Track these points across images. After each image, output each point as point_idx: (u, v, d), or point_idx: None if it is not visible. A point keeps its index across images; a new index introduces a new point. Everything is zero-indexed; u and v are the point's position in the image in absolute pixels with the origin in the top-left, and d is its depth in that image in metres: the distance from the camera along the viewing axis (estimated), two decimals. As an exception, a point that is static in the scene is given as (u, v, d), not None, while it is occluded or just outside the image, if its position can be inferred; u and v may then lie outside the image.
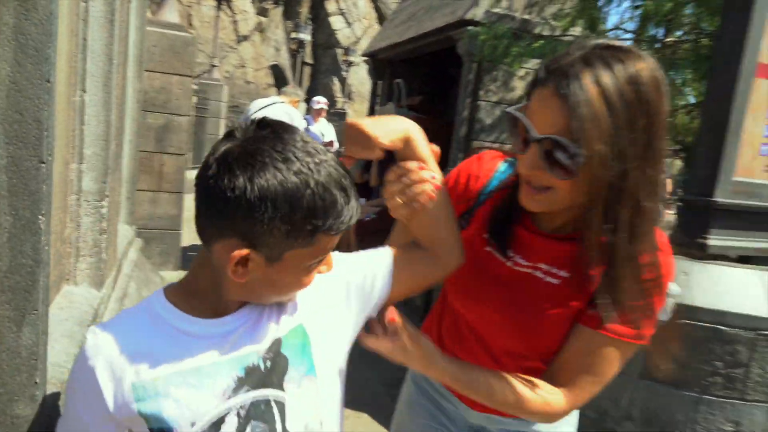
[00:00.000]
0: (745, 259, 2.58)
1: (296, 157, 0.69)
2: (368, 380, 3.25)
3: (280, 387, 0.80)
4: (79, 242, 1.71)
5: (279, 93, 5.16)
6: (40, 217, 0.95)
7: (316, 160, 0.71)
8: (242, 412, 0.77)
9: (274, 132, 0.72)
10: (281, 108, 4.89)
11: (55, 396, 1.15)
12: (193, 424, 0.75)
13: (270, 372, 0.80)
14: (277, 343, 0.81)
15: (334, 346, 0.89)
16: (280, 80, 22.20)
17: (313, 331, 0.85)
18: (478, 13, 4.66)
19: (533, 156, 0.85)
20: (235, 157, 0.68)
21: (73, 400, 0.81)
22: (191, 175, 6.43)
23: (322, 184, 0.70)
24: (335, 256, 0.87)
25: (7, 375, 0.97)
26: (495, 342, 1.07)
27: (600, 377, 0.95)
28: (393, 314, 0.87)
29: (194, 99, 11.35)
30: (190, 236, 6.42)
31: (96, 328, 0.79)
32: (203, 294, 0.79)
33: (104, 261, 1.79)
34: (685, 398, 2.27)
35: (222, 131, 11.48)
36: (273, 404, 0.79)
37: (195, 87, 12.51)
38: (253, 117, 2.86)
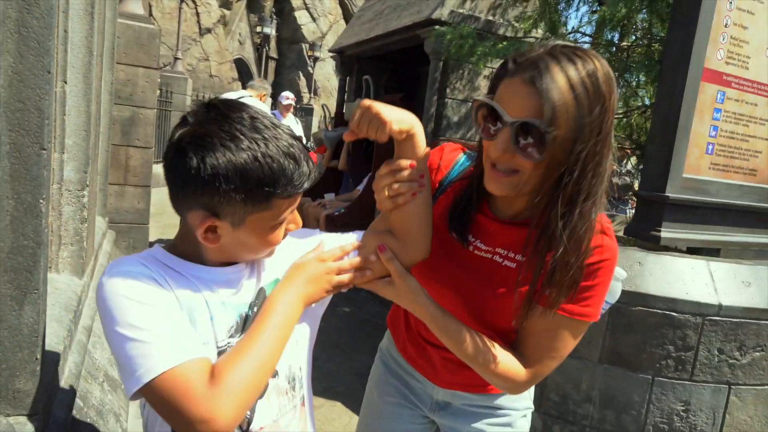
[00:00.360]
0: (694, 250, 2.78)
1: (243, 135, 0.77)
2: (341, 370, 3.34)
3: None
4: (61, 231, 1.73)
5: (245, 87, 5.13)
6: (41, 201, 1.00)
7: (264, 135, 0.78)
8: None
9: (221, 113, 0.80)
10: (251, 102, 4.88)
11: (52, 371, 1.19)
12: (205, 344, 0.82)
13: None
14: (261, 293, 0.91)
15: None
16: (244, 74, 21.91)
17: None
18: (444, 13, 4.78)
19: (505, 139, 0.91)
20: (188, 141, 0.77)
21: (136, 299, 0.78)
22: (158, 168, 6.33)
23: (269, 156, 0.77)
24: (312, 233, 0.99)
25: (9, 351, 1.02)
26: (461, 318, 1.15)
27: (558, 352, 1.03)
28: (383, 247, 0.99)
29: (158, 92, 11.11)
30: (157, 231, 6.35)
31: (113, 264, 0.83)
32: (191, 256, 0.87)
33: (85, 250, 1.81)
34: (640, 380, 2.42)
35: (186, 125, 11.24)
36: None
37: (158, 80, 12.23)
38: None
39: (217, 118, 0.79)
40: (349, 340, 3.87)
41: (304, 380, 0.98)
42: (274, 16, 21.93)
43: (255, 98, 4.97)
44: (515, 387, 1.05)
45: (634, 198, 4.41)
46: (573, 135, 0.88)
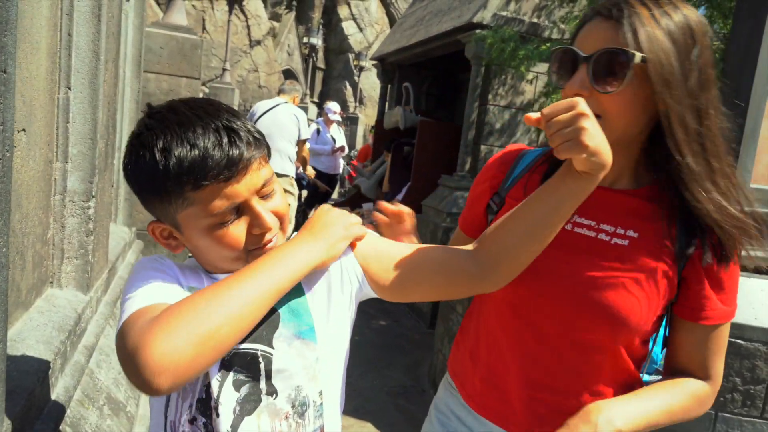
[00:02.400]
0: (764, 270, 2.48)
1: (147, 129, 0.75)
2: (373, 388, 3.18)
3: (269, 343, 0.77)
4: (64, 244, 1.66)
5: (278, 92, 5.10)
6: (-7, 219, 0.89)
7: (167, 126, 0.74)
8: (226, 358, 0.75)
9: (147, 113, 0.79)
10: (288, 109, 4.81)
11: (25, 410, 1.09)
12: None
13: (260, 327, 0.77)
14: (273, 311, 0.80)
15: (334, 317, 0.85)
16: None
17: (313, 295, 0.84)
18: (485, 16, 4.59)
19: (581, 75, 0.84)
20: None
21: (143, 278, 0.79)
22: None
23: (165, 149, 0.72)
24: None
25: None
26: (556, 328, 0.94)
27: (723, 354, 0.97)
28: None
29: (205, 102, 11.37)
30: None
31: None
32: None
33: (91, 264, 1.73)
34: (701, 415, 2.17)
35: (232, 135, 11.48)
36: (260, 359, 0.77)
37: (206, 90, 12.55)
38: (258, 119, 2.80)
39: (141, 118, 0.79)
40: (384, 356, 3.69)
41: (326, 408, 0.81)
42: (322, 27, 22.21)
43: (289, 102, 4.91)
44: (708, 407, 0.98)
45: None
46: (659, 64, 0.81)
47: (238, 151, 0.74)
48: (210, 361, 0.67)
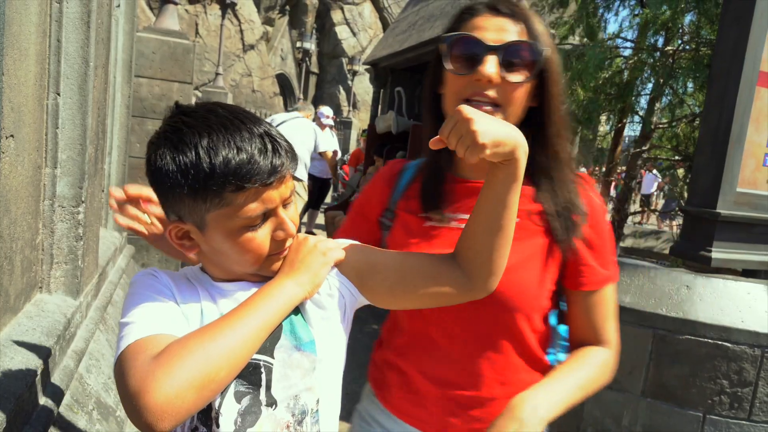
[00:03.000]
0: (751, 272, 2.51)
1: (187, 127, 0.75)
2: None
3: (271, 354, 0.79)
4: (53, 249, 1.66)
5: (286, 102, 5.46)
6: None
7: (212, 127, 0.75)
8: None
9: (179, 111, 0.79)
10: (305, 122, 5.17)
11: (13, 414, 1.09)
12: None
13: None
14: None
15: (332, 331, 0.87)
16: (286, 89, 22.27)
17: (309, 309, 0.85)
18: (477, 21, 4.62)
19: (492, 65, 0.90)
20: (149, 141, 0.80)
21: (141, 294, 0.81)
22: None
23: (212, 148, 0.73)
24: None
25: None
26: (460, 325, 0.98)
27: (613, 318, 1.03)
28: None
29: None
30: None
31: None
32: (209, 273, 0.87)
33: (81, 269, 1.73)
34: (689, 417, 2.18)
35: (225, 139, 11.48)
36: (262, 369, 0.78)
37: (199, 95, 12.54)
38: (276, 126, 2.73)
39: (172, 115, 0.79)
40: (375, 361, 3.69)
41: (322, 415, 0.83)
42: (315, 32, 22.25)
43: (303, 117, 5.25)
44: (612, 372, 1.03)
45: (680, 214, 4.10)
46: (556, 61, 0.96)
47: (279, 160, 0.77)
48: (209, 400, 0.70)
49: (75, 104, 1.62)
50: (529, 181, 0.96)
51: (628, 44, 3.74)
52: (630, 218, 4.34)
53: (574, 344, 1.04)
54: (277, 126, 5.09)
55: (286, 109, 18.26)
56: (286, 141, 0.81)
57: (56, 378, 1.46)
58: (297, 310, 0.84)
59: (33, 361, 1.29)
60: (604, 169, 4.57)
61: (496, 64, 0.90)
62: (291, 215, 0.83)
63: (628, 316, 2.42)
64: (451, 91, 0.95)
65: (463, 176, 1.02)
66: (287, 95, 22.14)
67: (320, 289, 0.86)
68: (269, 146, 0.76)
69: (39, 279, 1.63)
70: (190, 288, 0.83)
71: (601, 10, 3.68)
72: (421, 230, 1.02)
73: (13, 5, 1.23)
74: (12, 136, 1.29)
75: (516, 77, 0.91)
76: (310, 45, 19.86)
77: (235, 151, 0.74)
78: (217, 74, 12.21)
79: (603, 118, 4.75)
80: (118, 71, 2.58)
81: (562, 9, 4.30)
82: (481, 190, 0.84)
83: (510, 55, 0.91)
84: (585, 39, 3.61)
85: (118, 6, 2.51)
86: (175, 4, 5.83)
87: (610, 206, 4.53)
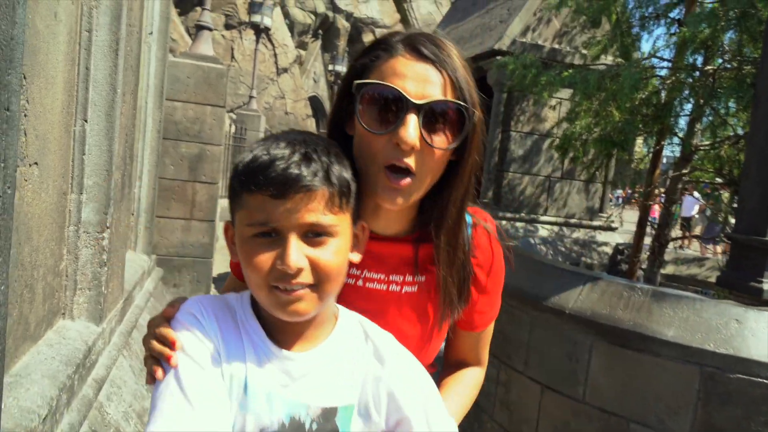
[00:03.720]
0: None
1: (264, 141, 0.76)
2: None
3: None
4: (77, 275, 1.65)
5: (318, 129, 5.31)
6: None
7: (273, 140, 0.75)
8: None
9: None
10: None
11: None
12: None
13: None
14: (332, 412, 0.76)
15: None
16: (318, 111, 22.59)
17: (358, 417, 0.78)
18: (506, 43, 4.57)
19: (414, 126, 0.77)
20: None
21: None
22: (225, 203, 6.49)
23: (254, 154, 0.73)
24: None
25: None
26: None
27: (488, 345, 1.09)
28: None
29: (232, 129, 11.60)
30: (221, 264, 6.42)
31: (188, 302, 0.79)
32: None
33: (104, 295, 1.72)
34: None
35: (258, 161, 11.67)
36: None
37: (233, 117, 12.82)
38: None
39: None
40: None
41: None
42: (347, 55, 22.57)
43: None
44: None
45: (726, 241, 3.90)
46: (481, 122, 0.84)
47: (297, 172, 0.70)
48: None
49: (102, 130, 1.62)
50: (425, 233, 0.91)
51: (665, 64, 3.62)
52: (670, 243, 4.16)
53: (451, 364, 1.08)
54: None
55: (318, 130, 18.49)
56: (331, 167, 0.73)
57: (74, 408, 1.44)
58: (351, 415, 0.78)
59: (49, 392, 1.27)
60: (641, 190, 4.42)
61: (417, 126, 0.77)
62: (315, 255, 0.72)
63: (671, 350, 2.28)
64: (368, 150, 0.81)
65: (375, 231, 0.92)
66: (319, 117, 22.45)
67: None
68: (294, 158, 0.71)
69: (62, 305, 1.62)
70: (236, 336, 0.75)
71: (635, 29, 3.59)
72: None
73: (40, 35, 1.24)
74: (36, 163, 1.29)
75: (439, 142, 0.79)
76: (342, 68, 20.16)
77: (262, 153, 0.72)
78: (250, 97, 12.46)
79: (639, 140, 4.61)
80: (150, 96, 2.62)
81: (594, 29, 4.22)
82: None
83: (434, 117, 0.78)
84: (618, 59, 3.52)
85: (151, 33, 2.55)
86: (210, 29, 5.97)
87: (649, 230, 4.36)
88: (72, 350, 1.49)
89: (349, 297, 0.89)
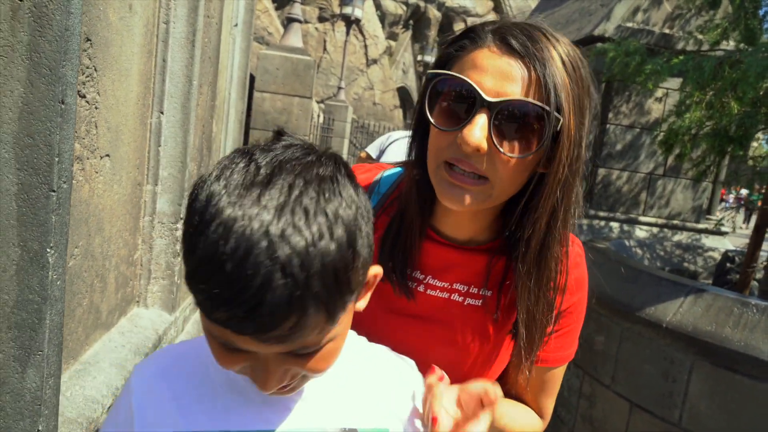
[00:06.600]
0: None
1: (211, 194, 0.50)
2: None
3: None
4: (152, 264, 1.69)
5: (405, 119, 5.20)
6: (48, 249, 0.87)
7: (224, 204, 0.48)
8: None
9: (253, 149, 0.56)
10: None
11: (74, 439, 1.07)
12: None
13: None
14: None
15: None
16: (406, 102, 22.56)
17: None
18: (608, 28, 4.22)
19: (481, 127, 0.67)
20: None
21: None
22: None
23: (195, 246, 0.48)
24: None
25: (10, 418, 0.89)
26: None
27: (555, 395, 0.93)
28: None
29: (320, 119, 11.85)
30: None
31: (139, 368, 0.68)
32: None
33: (177, 284, 1.75)
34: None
35: (346, 149, 11.85)
36: None
37: (322, 107, 13.08)
38: (389, 145, 2.54)
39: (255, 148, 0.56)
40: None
41: None
42: (437, 45, 22.30)
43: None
44: None
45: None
46: (572, 129, 0.70)
47: (277, 316, 0.47)
48: None
49: (177, 122, 1.63)
50: (502, 245, 0.82)
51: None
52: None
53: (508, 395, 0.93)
54: (391, 143, 5.01)
55: (405, 121, 18.45)
56: (346, 267, 0.50)
57: (141, 397, 1.46)
58: None
59: (115, 382, 1.28)
60: (761, 192, 3.90)
61: (485, 127, 0.67)
62: (301, 365, 0.55)
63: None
64: (434, 145, 0.74)
65: (440, 232, 0.84)
66: (407, 108, 22.42)
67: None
68: (277, 282, 0.46)
69: (136, 294, 1.66)
70: (206, 395, 0.63)
71: (764, 10, 3.15)
72: (383, 290, 0.83)
73: (113, 27, 1.24)
74: (108, 155, 1.30)
75: (511, 148, 0.69)
76: (432, 58, 19.98)
77: (221, 243, 0.46)
78: (339, 88, 12.65)
79: (758, 136, 4.09)
80: (233, 88, 2.65)
81: (713, 11, 3.77)
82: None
83: (509, 118, 0.68)
84: (741, 44, 3.10)
85: (236, 25, 2.58)
86: (300, 22, 6.07)
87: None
88: (142, 339, 1.51)
89: (405, 301, 0.83)
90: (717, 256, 4.62)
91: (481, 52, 0.69)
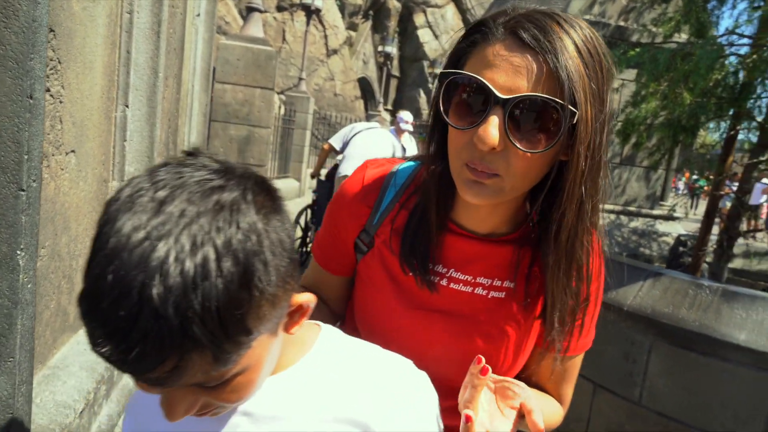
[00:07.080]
0: None
1: (109, 217, 0.48)
2: None
3: None
4: (119, 263, 1.64)
5: (367, 108, 5.20)
6: (18, 252, 0.84)
7: (128, 212, 0.46)
8: None
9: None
10: (386, 134, 4.83)
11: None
12: None
13: None
14: None
15: None
16: (367, 92, 22.50)
17: None
18: (567, 20, 4.31)
19: (496, 126, 0.67)
20: None
21: None
22: (277, 184, 6.51)
23: (88, 266, 0.46)
24: None
25: (-19, 427, 0.86)
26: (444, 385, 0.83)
27: (574, 382, 0.95)
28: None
29: (282, 110, 11.68)
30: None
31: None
32: None
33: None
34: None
35: (308, 141, 11.72)
36: None
37: (283, 99, 12.88)
38: (352, 137, 2.55)
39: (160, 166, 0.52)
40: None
41: None
42: (398, 36, 22.31)
43: (381, 128, 4.97)
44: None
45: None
46: (589, 123, 0.69)
47: (144, 365, 0.45)
48: None
49: (143, 116, 1.59)
50: (525, 234, 0.83)
51: (745, 41, 3.30)
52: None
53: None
54: (354, 134, 4.98)
55: (366, 112, 18.41)
56: (246, 278, 0.47)
57: (113, 399, 1.42)
58: None
59: (86, 385, 1.25)
60: (710, 178, 4.09)
61: (499, 125, 0.67)
62: (212, 396, 0.53)
63: (743, 356, 2.11)
64: (452, 144, 0.75)
65: (461, 225, 0.84)
66: (368, 99, 22.36)
67: None
68: (145, 324, 0.43)
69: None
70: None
71: (712, 4, 3.28)
72: (404, 285, 0.85)
73: (76, 17, 1.19)
74: (73, 151, 1.25)
75: (528, 144, 0.69)
76: (392, 49, 19.95)
77: (98, 274, 0.44)
78: (300, 79, 12.48)
79: (710, 125, 4.27)
80: (196, 80, 2.59)
81: (665, 4, 3.90)
82: None
83: (524, 113, 0.68)
84: (692, 37, 3.23)
85: (198, 15, 2.51)
86: (261, 11, 5.96)
87: (718, 221, 4.06)
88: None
89: (428, 294, 0.84)
90: (670, 240, 4.82)
91: (493, 48, 0.69)
